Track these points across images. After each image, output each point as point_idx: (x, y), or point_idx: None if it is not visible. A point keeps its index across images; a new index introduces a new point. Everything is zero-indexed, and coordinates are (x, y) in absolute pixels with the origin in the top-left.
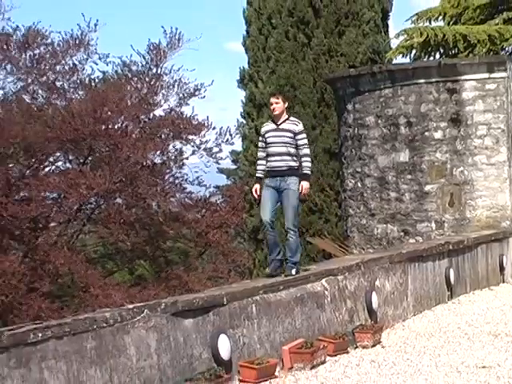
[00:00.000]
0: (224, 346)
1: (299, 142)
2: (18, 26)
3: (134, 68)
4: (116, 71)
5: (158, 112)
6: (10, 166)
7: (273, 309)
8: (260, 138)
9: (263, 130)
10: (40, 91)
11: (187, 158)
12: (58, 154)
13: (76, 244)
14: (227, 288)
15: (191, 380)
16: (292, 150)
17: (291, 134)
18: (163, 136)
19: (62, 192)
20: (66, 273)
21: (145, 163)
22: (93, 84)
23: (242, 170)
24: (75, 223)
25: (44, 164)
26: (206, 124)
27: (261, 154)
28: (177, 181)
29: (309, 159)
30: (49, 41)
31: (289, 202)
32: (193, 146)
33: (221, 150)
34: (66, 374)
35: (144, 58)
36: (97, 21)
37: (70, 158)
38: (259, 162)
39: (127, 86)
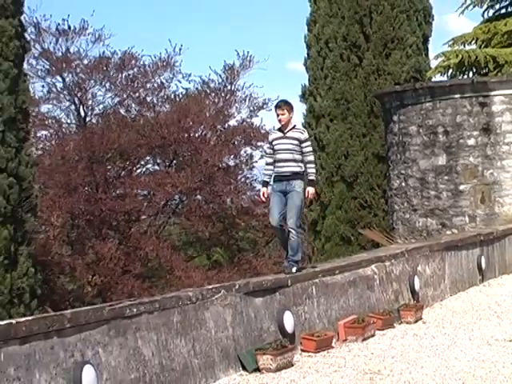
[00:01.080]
0: (288, 321)
1: (304, 150)
2: (115, 51)
3: (211, 85)
4: (197, 88)
5: (232, 122)
6: (109, 167)
7: (330, 290)
8: (268, 146)
9: (271, 138)
10: (133, 105)
11: (256, 162)
12: (148, 157)
13: (163, 233)
14: None
15: (261, 349)
16: (297, 157)
17: (297, 142)
18: (236, 142)
19: (151, 190)
20: (154, 257)
21: (221, 165)
22: (177, 99)
23: None
24: (162, 216)
25: (136, 166)
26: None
27: (269, 160)
28: (247, 180)
29: (313, 165)
30: (141, 63)
31: (293, 203)
32: (261, 151)
33: None
34: (156, 343)
35: (220, 76)
36: (181, 46)
37: (158, 161)
38: (267, 167)
39: (206, 100)
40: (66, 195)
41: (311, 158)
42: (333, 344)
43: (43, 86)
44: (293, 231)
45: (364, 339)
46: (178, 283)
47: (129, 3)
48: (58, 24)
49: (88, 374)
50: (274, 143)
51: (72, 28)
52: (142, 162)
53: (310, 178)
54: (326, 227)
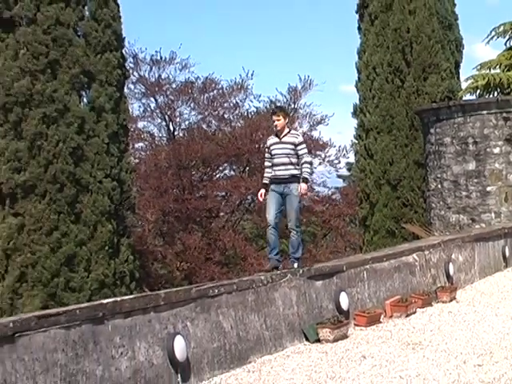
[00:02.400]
0: (344, 300)
1: (299, 152)
2: (198, 77)
3: (277, 104)
4: (265, 106)
5: None
6: (193, 173)
7: (378, 274)
8: (266, 150)
9: (268, 143)
10: (213, 121)
11: (315, 167)
12: (225, 165)
13: (238, 227)
14: (346, 259)
15: (321, 324)
16: (294, 160)
17: (292, 146)
18: None
19: (228, 191)
20: (231, 247)
21: None
22: (249, 116)
23: (354, 176)
24: (237, 213)
25: (216, 172)
26: (328, 143)
27: (267, 164)
28: (308, 184)
29: (308, 166)
30: (219, 86)
31: (291, 206)
32: (319, 159)
33: (339, 162)
34: (234, 318)
35: (285, 96)
36: (252, 71)
37: (234, 167)
38: (266, 170)
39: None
40: (158, 196)
41: (307, 159)
42: (381, 320)
43: (140, 106)
44: (293, 231)
45: (407, 316)
46: (250, 269)
47: (209, 35)
48: (152, 55)
49: (179, 343)
50: (271, 148)
51: (163, 58)
52: (221, 169)
53: (304, 175)
54: (374, 222)
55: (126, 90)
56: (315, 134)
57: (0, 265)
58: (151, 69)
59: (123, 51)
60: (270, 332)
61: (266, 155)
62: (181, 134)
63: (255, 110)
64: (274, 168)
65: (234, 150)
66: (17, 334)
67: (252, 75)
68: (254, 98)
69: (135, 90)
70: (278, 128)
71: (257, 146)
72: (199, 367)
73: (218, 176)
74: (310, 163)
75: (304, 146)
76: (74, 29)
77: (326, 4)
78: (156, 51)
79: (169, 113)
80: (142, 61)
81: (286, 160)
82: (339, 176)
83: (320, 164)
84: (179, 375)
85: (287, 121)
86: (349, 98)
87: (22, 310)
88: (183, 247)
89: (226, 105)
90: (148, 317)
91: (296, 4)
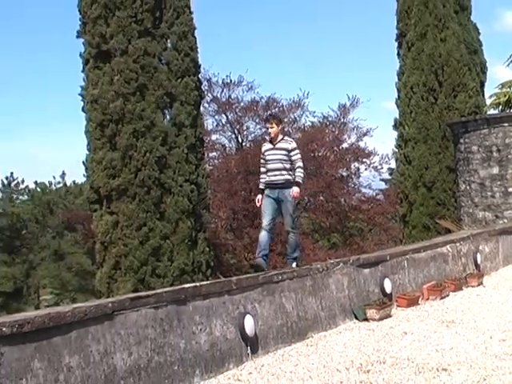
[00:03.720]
0: (387, 285)
1: (293, 158)
2: (262, 96)
3: (330, 119)
4: (319, 121)
5: (345, 145)
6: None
7: (417, 263)
8: (261, 156)
9: (263, 149)
10: None
11: (362, 173)
12: None
13: (296, 223)
14: (389, 250)
15: (368, 305)
16: (287, 166)
17: (286, 152)
18: (348, 159)
19: None
20: None
21: (337, 176)
22: (305, 129)
23: (395, 179)
24: (296, 211)
25: None
26: (373, 152)
27: (262, 170)
28: (356, 186)
29: (301, 170)
30: (280, 104)
31: (287, 211)
32: (365, 165)
33: (382, 167)
34: (295, 300)
35: (336, 112)
36: (308, 92)
37: None
38: (261, 175)
39: (326, 130)
40: (229, 197)
41: (299, 163)
42: (419, 302)
43: (213, 122)
44: (290, 233)
45: (441, 298)
46: (307, 259)
47: (272, 62)
48: (223, 79)
49: (248, 321)
50: (265, 154)
51: (233, 81)
52: None
53: (297, 179)
54: (412, 219)
55: (201, 108)
56: (362, 144)
57: (99, 255)
58: (223, 90)
59: (199, 76)
60: (325, 312)
61: (261, 161)
62: (248, 145)
63: (310, 124)
64: (269, 173)
65: None
66: (115, 313)
67: (308, 94)
68: (310, 113)
69: (209, 108)
70: (272, 135)
71: (312, 154)
72: (265, 341)
73: None
74: (303, 168)
75: (297, 151)
76: (158, 58)
77: (369, 35)
78: (227, 75)
79: (237, 127)
80: (214, 84)
81: (279, 165)
82: (382, 179)
83: (366, 169)
84: (249, 348)
85: (280, 128)
86: (390, 113)
87: (117, 293)
88: (250, 240)
89: (285, 120)
90: (223, 299)
91: (345, 36)
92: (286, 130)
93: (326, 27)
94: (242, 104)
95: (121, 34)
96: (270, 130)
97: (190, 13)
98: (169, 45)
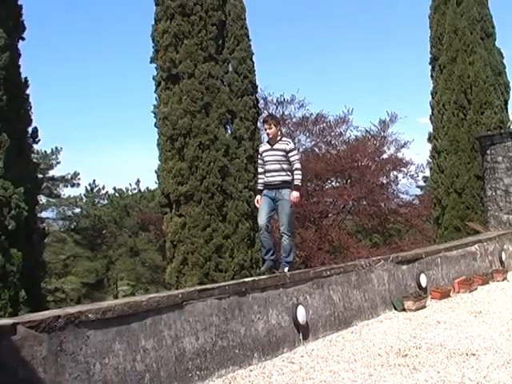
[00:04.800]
0: (423, 280)
1: (291, 159)
2: (311, 113)
3: (371, 133)
4: (362, 134)
5: (385, 156)
6: (308, 185)
7: (449, 260)
8: (259, 157)
9: (260, 150)
10: (323, 146)
11: (400, 180)
12: (332, 178)
13: (342, 225)
14: (424, 249)
15: (406, 297)
16: (285, 166)
17: (283, 153)
18: (387, 168)
19: (334, 198)
20: (337, 240)
21: (377, 183)
22: (350, 141)
23: (429, 186)
24: (342, 214)
25: (325, 183)
26: (409, 162)
27: (260, 170)
28: (394, 192)
29: (299, 172)
30: (327, 119)
31: (283, 210)
32: (403, 174)
33: (418, 175)
34: (341, 293)
35: (377, 127)
36: (352, 109)
37: (338, 180)
38: (259, 176)
39: (368, 142)
40: None
41: (297, 165)
42: (450, 294)
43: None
44: (285, 235)
45: (470, 291)
46: (351, 256)
47: (318, 79)
48: (277, 97)
49: (300, 310)
50: (263, 155)
51: (285, 100)
52: (329, 181)
53: (296, 183)
54: (444, 221)
55: (258, 123)
56: (400, 155)
57: (169, 252)
58: (277, 108)
59: (256, 95)
60: (368, 303)
61: (259, 162)
62: (299, 156)
63: (354, 137)
64: (267, 174)
65: (339, 167)
66: (184, 302)
67: (352, 111)
68: (354, 128)
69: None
70: (270, 136)
71: (356, 164)
72: (315, 329)
73: (326, 187)
74: (301, 169)
75: (295, 152)
76: (221, 80)
77: (406, 58)
78: (280, 95)
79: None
80: (270, 102)
81: (277, 166)
82: (418, 186)
83: (403, 177)
84: (300, 334)
85: (278, 128)
86: (424, 127)
87: (184, 285)
88: (301, 239)
89: (332, 134)
90: (278, 291)
91: (384, 59)
92: (332, 142)
93: (367, 55)
94: (293, 120)
95: (188, 59)
96: (268, 130)
97: (249, 40)
98: (230, 68)
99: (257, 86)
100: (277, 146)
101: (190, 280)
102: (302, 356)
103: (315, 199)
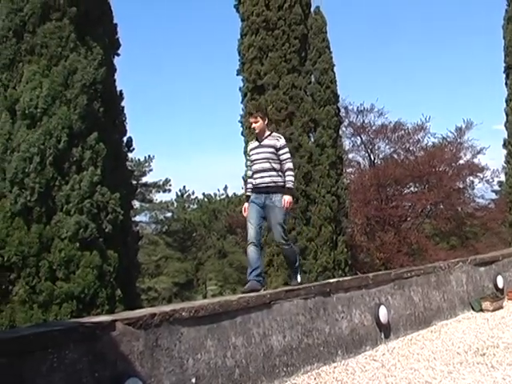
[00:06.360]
0: (500, 281)
1: (282, 157)
2: (390, 121)
3: (448, 139)
4: (439, 141)
5: (461, 161)
6: (388, 190)
7: None
8: (247, 157)
9: (248, 148)
10: (401, 153)
11: (476, 185)
12: (411, 183)
13: (420, 228)
14: (501, 251)
15: (483, 298)
16: (275, 166)
17: (273, 150)
18: (464, 174)
19: (413, 203)
20: (415, 243)
21: (454, 188)
22: (428, 148)
23: (504, 191)
24: (420, 218)
25: (404, 188)
26: (485, 167)
27: (249, 173)
28: (471, 197)
29: (291, 173)
30: (406, 127)
31: (276, 220)
32: (479, 179)
33: (493, 180)
34: (421, 294)
35: (453, 134)
36: (429, 116)
37: (417, 185)
38: (248, 180)
39: (445, 149)
40: (363, 206)
41: (289, 165)
42: None
43: (349, 143)
44: (282, 244)
45: None
46: (429, 258)
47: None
48: (358, 106)
49: (382, 310)
50: (250, 153)
51: (365, 108)
52: (407, 186)
53: (288, 185)
54: None
55: (340, 131)
56: (475, 160)
57: None
58: (357, 116)
59: (338, 105)
60: (447, 304)
61: (248, 162)
62: (379, 162)
63: (432, 143)
64: (255, 176)
65: (417, 173)
66: (272, 302)
67: (429, 119)
68: (431, 135)
69: (346, 132)
70: (257, 131)
71: (433, 170)
72: (396, 328)
73: (405, 191)
74: (293, 169)
75: (286, 150)
76: (304, 90)
77: (480, 66)
78: (360, 104)
79: (370, 147)
80: (350, 111)
81: (266, 165)
82: (493, 191)
83: (479, 182)
84: (382, 333)
85: (266, 122)
86: (499, 134)
87: (270, 286)
88: (381, 242)
89: (410, 140)
90: (361, 292)
91: (459, 67)
92: (410, 149)
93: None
94: (373, 128)
95: (273, 71)
96: (254, 125)
97: (330, 52)
98: (312, 79)
99: (338, 96)
100: (265, 142)
101: (275, 281)
102: (383, 354)
103: (394, 203)
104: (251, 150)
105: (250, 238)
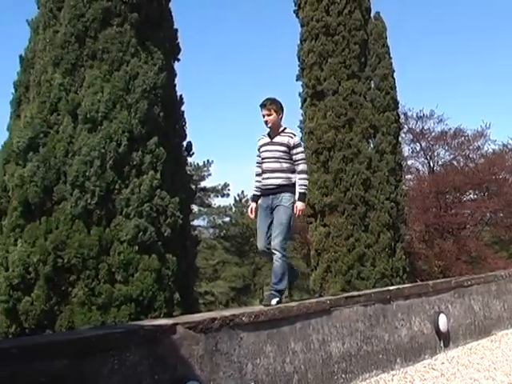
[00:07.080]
0: None
1: (295, 157)
2: (450, 127)
3: (509, 146)
4: (500, 148)
5: None
6: (447, 197)
7: None
8: (257, 153)
9: (258, 144)
10: (461, 159)
11: None
12: (470, 191)
13: (480, 236)
14: None
15: None
16: (286, 166)
17: (285, 148)
18: None
19: (472, 210)
20: (475, 251)
21: None
22: (488, 155)
23: None
24: (479, 226)
25: (463, 196)
26: None
27: (257, 170)
28: None
29: (305, 176)
30: (466, 134)
31: (278, 220)
32: None
33: None
34: (481, 302)
35: None
36: (490, 123)
37: (476, 193)
38: (256, 178)
39: (505, 156)
40: (422, 213)
41: (303, 167)
42: None
43: (409, 149)
44: (277, 253)
45: None
46: (489, 267)
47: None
48: (417, 113)
49: (442, 318)
50: (261, 150)
51: (425, 115)
52: (467, 194)
53: (301, 190)
54: None
55: (399, 138)
56: None
57: (313, 260)
58: (417, 122)
59: (398, 111)
60: (507, 313)
61: (257, 159)
62: (438, 169)
63: (492, 150)
64: (263, 175)
65: (477, 180)
66: (332, 308)
67: (489, 126)
68: (492, 142)
69: (406, 138)
70: (269, 125)
71: (493, 177)
72: (456, 337)
73: (465, 199)
74: (307, 172)
75: (300, 149)
76: (363, 96)
77: None
78: (420, 110)
79: (429, 154)
80: (410, 117)
81: (276, 165)
82: None
83: None
84: (441, 342)
85: (281, 116)
86: None
87: (327, 292)
88: (440, 250)
89: (470, 147)
90: (420, 300)
91: None
92: (470, 156)
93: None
94: (433, 134)
95: (332, 77)
96: (266, 118)
97: (390, 58)
98: (372, 85)
99: (398, 102)
100: (277, 139)
101: (332, 287)
102: (442, 363)
103: (454, 211)
104: (261, 146)
105: (260, 246)
